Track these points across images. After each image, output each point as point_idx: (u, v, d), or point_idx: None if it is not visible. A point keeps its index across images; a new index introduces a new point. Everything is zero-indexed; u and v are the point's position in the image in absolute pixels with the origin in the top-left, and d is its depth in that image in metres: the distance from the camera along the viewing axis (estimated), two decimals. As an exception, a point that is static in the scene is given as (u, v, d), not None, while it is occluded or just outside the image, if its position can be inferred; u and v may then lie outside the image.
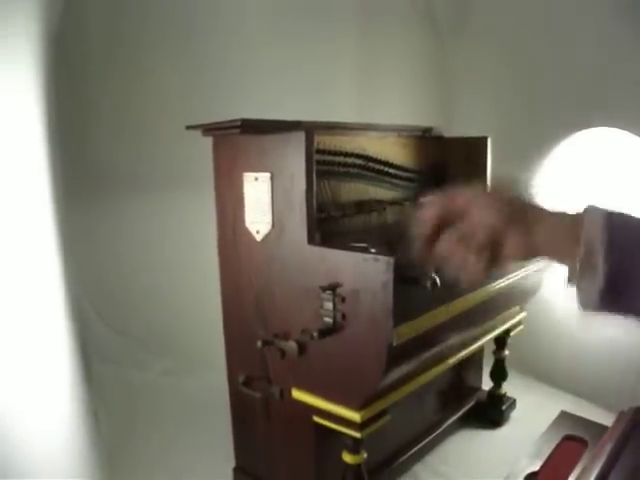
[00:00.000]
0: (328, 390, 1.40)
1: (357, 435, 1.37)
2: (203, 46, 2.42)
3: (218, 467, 1.87)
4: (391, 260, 1.18)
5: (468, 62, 2.83)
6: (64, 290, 1.64)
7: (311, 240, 1.37)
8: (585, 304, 0.74)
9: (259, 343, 1.46)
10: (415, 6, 2.77)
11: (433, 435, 1.98)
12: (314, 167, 1.36)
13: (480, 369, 2.30)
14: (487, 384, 2.29)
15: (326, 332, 1.30)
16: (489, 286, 1.59)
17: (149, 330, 2.50)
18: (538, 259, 0.81)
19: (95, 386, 2.10)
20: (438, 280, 1.25)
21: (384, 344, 1.23)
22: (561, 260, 0.77)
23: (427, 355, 1.46)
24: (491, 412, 2.22)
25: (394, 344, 1.22)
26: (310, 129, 1.34)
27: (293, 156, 1.36)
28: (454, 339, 1.57)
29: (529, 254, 0.77)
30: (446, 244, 0.79)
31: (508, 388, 2.27)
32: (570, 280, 0.76)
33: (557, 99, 2.39)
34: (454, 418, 2.09)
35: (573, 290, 0.75)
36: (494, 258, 0.77)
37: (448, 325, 1.42)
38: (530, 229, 0.75)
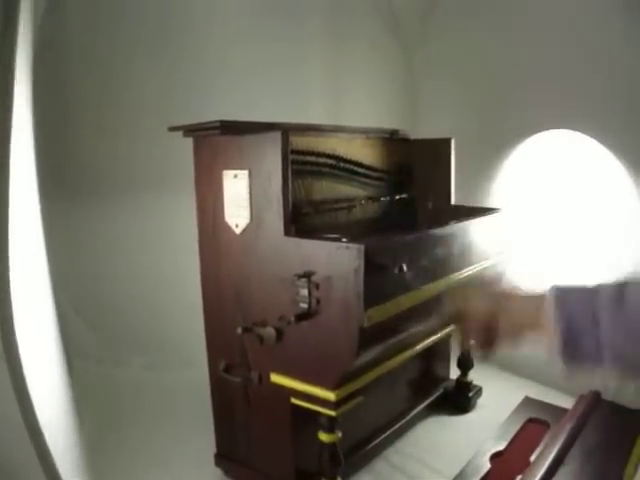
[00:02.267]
0: (304, 372, 1.50)
1: (332, 413, 1.47)
2: (180, 47, 2.48)
3: (201, 454, 1.94)
4: (362, 247, 1.29)
5: (432, 65, 2.96)
6: (50, 288, 1.72)
7: (287, 232, 1.47)
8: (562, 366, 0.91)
9: (239, 330, 1.55)
10: (379, 10, 2.89)
11: (403, 421, 2.08)
12: (289, 165, 1.46)
13: (448, 360, 2.41)
14: (456, 374, 2.39)
15: (302, 317, 1.40)
16: (453, 275, 1.70)
17: (129, 328, 2.55)
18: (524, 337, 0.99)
19: (77, 383, 2.16)
20: (405, 267, 1.37)
21: (356, 326, 1.33)
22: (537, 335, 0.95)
23: (396, 339, 1.57)
24: (458, 399, 2.32)
25: (365, 325, 1.33)
26: (285, 130, 1.45)
27: (270, 154, 1.46)
28: (421, 325, 1.68)
29: (513, 336, 0.98)
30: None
31: (475, 377, 2.38)
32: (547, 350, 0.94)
33: (518, 102, 2.52)
34: (423, 405, 2.19)
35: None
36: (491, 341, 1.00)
37: (415, 311, 1.53)
38: (508, 320, 0.97)
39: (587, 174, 2.32)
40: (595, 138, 2.26)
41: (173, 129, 1.65)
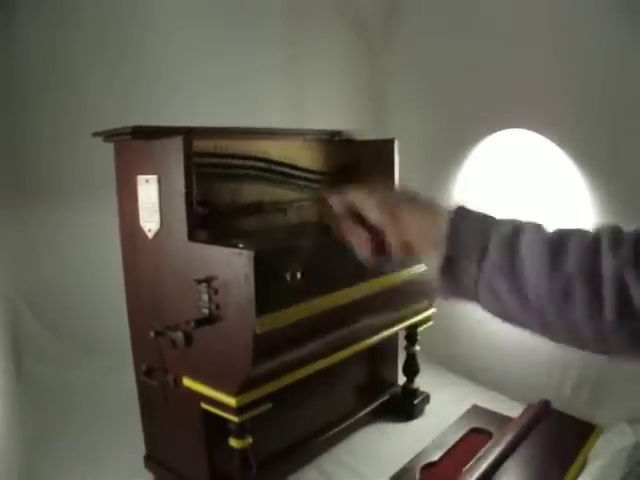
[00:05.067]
0: (209, 377, 1.51)
1: (235, 419, 1.47)
2: (122, 51, 2.47)
3: (138, 456, 1.93)
4: (251, 254, 1.29)
5: (397, 65, 2.94)
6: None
7: (191, 237, 1.47)
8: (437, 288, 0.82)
9: (152, 334, 1.56)
10: (342, 10, 2.87)
11: (342, 427, 2.06)
12: (193, 169, 1.46)
13: (395, 364, 2.38)
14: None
15: (202, 322, 1.41)
16: (368, 283, 1.68)
17: (85, 329, 2.57)
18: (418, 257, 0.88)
19: (26, 384, 2.19)
20: (299, 274, 1.36)
21: (250, 332, 1.33)
22: (425, 257, 0.85)
23: (304, 348, 1.57)
24: (404, 406, 2.29)
25: (258, 332, 1.33)
26: (187, 133, 1.45)
27: (173, 159, 1.46)
28: (337, 333, 1.66)
29: (406, 253, 0.86)
30: (345, 227, 0.92)
31: (425, 383, 2.34)
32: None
33: (477, 102, 2.51)
34: (366, 411, 2.17)
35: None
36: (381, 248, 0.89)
37: (321, 319, 1.51)
38: (404, 230, 0.84)
39: (542, 173, 2.30)
40: (550, 138, 2.26)
41: (97, 134, 1.67)
